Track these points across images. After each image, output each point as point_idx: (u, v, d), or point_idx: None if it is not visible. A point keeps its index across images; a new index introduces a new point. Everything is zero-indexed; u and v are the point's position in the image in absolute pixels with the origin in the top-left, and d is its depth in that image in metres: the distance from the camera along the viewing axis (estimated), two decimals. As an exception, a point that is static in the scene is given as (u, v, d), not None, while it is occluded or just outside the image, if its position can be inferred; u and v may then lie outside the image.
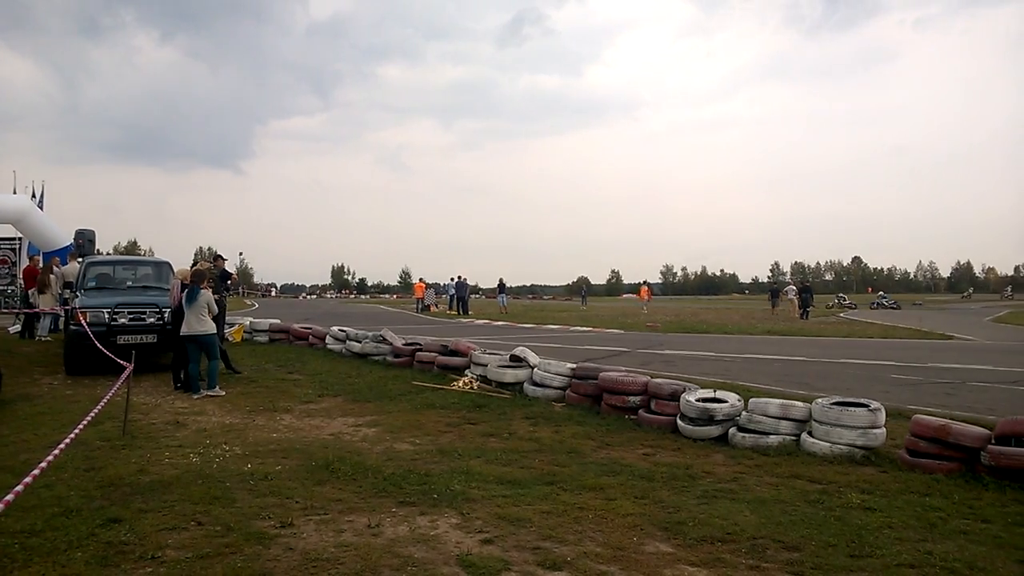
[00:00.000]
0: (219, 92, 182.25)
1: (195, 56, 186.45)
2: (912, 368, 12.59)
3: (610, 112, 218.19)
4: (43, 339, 15.26)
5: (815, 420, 6.55)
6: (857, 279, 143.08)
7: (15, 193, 21.25)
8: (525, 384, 9.53)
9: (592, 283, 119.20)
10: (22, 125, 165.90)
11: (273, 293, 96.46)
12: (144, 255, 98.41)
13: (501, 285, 39.41)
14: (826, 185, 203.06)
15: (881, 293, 51.14)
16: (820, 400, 6.69)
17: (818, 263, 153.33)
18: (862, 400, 6.62)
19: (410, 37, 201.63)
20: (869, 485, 5.48)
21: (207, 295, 9.84)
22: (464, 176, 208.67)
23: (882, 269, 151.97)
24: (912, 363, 13.34)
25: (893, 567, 3.93)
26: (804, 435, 6.59)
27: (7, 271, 22.91)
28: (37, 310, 15.30)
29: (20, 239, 22.45)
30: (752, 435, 6.75)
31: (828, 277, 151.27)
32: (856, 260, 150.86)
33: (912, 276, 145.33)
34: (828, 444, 6.30)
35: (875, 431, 6.27)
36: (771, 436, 6.66)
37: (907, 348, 17.02)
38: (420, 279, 45.63)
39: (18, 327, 16.36)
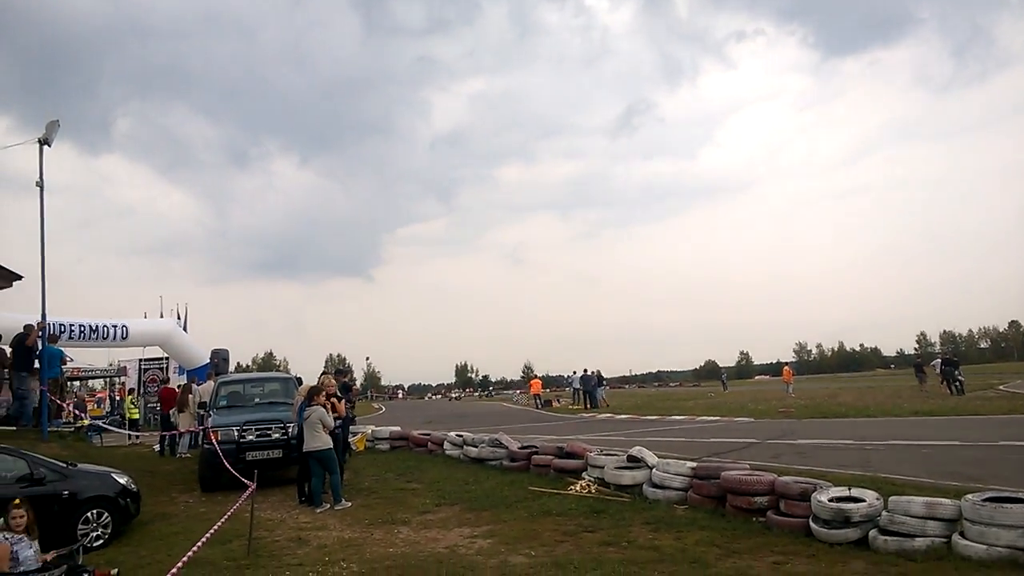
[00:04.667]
0: (351, 206, 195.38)
1: (330, 176, 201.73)
2: (1084, 448, 11.23)
3: (727, 192, 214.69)
4: (183, 456, 16.10)
5: (966, 519, 5.90)
6: (1017, 346, 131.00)
7: (161, 316, 23.06)
8: (644, 486, 9.13)
9: (720, 365, 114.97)
10: (178, 252, 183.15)
11: (400, 395, 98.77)
12: (279, 365, 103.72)
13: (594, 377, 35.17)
14: (970, 246, 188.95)
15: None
16: (970, 496, 6.03)
17: (970, 330, 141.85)
18: (1020, 494, 5.92)
19: (525, 139, 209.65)
20: (1038, 596, 4.83)
21: (319, 411, 10.10)
22: (582, 266, 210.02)
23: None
24: (1084, 442, 11.90)
25: None
26: (955, 536, 5.94)
27: (155, 389, 24.65)
28: (176, 431, 16.28)
29: (167, 359, 24.23)
30: (896, 538, 6.15)
31: (983, 345, 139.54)
32: (1013, 325, 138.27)
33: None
34: (984, 547, 5.64)
35: (1038, 530, 5.57)
36: (917, 539, 6.05)
37: (1078, 424, 15.26)
38: (535, 376, 45.56)
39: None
